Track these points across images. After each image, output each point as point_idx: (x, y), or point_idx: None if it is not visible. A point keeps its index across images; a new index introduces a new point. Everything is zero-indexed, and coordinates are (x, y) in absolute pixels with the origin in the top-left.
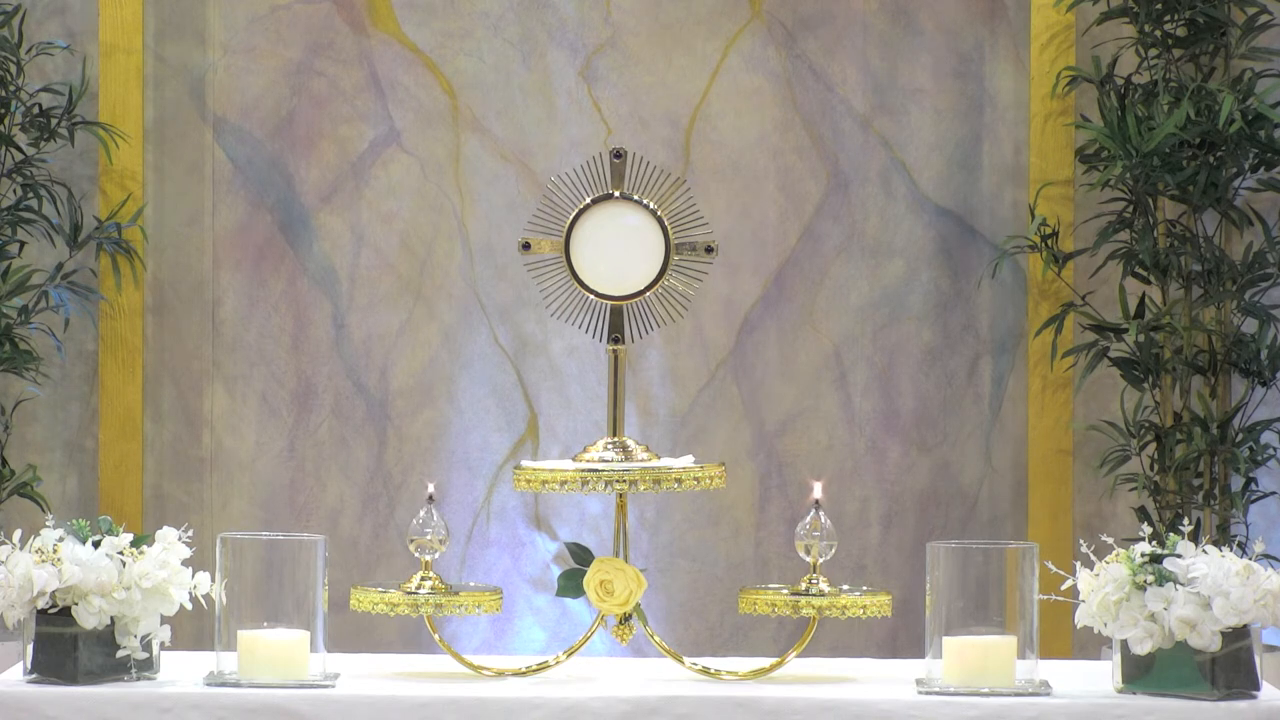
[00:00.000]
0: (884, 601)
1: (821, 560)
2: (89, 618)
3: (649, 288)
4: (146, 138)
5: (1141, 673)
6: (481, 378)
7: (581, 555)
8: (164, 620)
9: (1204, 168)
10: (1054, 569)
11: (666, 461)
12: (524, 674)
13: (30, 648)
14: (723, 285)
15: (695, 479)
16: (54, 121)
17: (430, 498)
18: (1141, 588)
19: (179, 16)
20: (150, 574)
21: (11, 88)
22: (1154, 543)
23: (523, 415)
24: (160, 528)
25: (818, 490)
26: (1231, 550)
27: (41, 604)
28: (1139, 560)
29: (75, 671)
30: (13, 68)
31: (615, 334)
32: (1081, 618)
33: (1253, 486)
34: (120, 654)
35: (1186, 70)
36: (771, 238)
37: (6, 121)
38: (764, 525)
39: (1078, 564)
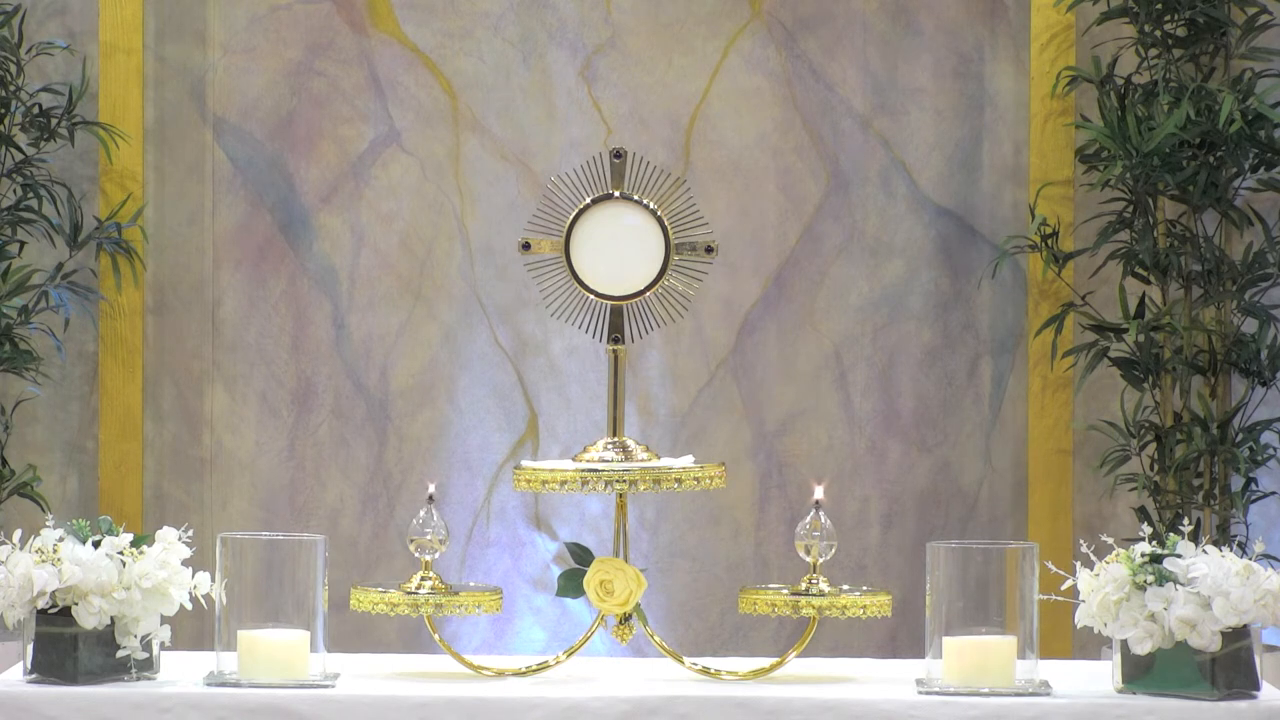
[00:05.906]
0: (884, 601)
1: (821, 560)
2: (89, 618)
3: (649, 288)
4: (146, 138)
5: (1141, 673)
6: (481, 378)
7: (581, 555)
8: (164, 620)
9: (1204, 168)
10: (1054, 569)
11: (666, 461)
12: (524, 674)
13: (30, 648)
14: (723, 285)
15: (695, 479)
16: (54, 121)
17: (430, 498)
18: (1141, 588)
19: (179, 16)
20: (150, 574)
21: (11, 88)
22: (1154, 543)
23: (523, 415)
24: (160, 528)
25: (819, 492)
26: (1231, 550)
27: (41, 604)
28: (1139, 560)
29: (75, 671)
30: (13, 68)
31: (615, 334)
32: (1081, 618)
33: (1253, 486)
34: (120, 654)
35: (1186, 70)
36: (771, 238)
37: (6, 121)
38: (764, 525)
39: (1078, 564)
